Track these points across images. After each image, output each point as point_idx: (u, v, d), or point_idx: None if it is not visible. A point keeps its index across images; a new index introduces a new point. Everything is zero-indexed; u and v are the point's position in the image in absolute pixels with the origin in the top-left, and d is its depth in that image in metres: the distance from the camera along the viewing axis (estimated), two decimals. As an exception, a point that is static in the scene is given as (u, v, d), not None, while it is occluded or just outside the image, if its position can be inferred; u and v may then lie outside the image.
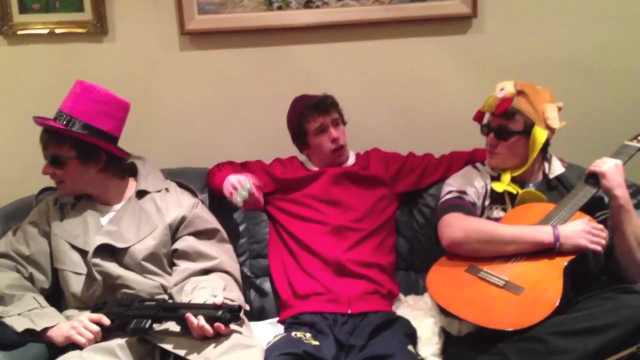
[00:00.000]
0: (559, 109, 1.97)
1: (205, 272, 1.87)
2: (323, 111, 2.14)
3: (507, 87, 1.93)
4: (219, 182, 2.09)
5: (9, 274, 1.81)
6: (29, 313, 1.72)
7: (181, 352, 1.62)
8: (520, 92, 1.93)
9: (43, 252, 1.87)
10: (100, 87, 1.87)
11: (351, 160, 2.27)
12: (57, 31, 2.39)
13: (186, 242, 1.91)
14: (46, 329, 1.71)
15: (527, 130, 1.93)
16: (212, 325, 1.61)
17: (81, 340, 1.67)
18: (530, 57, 2.45)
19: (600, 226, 1.79)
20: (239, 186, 1.97)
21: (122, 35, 2.42)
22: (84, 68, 2.40)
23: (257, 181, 2.01)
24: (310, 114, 2.15)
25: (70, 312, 1.84)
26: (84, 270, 1.84)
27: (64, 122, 1.82)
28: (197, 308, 1.65)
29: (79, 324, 1.70)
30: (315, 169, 2.23)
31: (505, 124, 1.94)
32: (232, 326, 1.67)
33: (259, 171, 2.19)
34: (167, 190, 2.00)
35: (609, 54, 2.47)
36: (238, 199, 1.96)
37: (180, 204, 1.96)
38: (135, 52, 2.43)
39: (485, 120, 2.04)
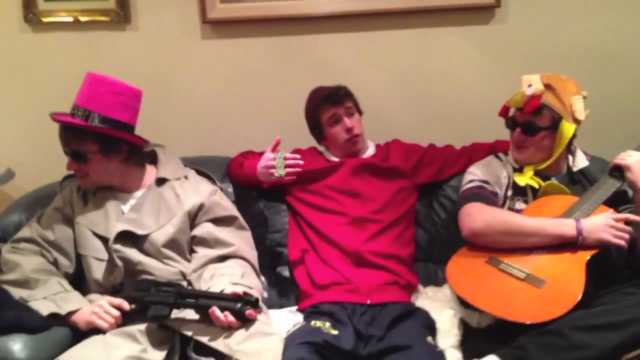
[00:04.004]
0: (584, 97, 1.94)
1: (223, 258, 1.89)
2: (335, 102, 2.15)
3: (535, 84, 1.88)
4: (249, 171, 2.12)
5: (34, 258, 1.84)
6: (54, 297, 1.74)
7: (202, 339, 1.64)
8: (547, 86, 1.89)
9: (67, 237, 1.89)
10: (113, 78, 1.87)
11: (371, 151, 2.27)
12: (81, 19, 2.41)
13: (204, 229, 1.93)
14: (70, 313, 1.73)
15: (555, 124, 1.90)
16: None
17: (103, 325, 1.70)
18: (553, 47, 2.42)
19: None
20: (274, 162, 2.01)
21: (144, 24, 2.43)
22: (107, 56, 2.42)
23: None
24: (323, 105, 2.16)
25: (93, 296, 1.85)
26: (105, 256, 1.86)
27: (83, 117, 1.82)
28: (215, 298, 1.66)
29: (99, 309, 1.72)
30: (335, 159, 2.23)
31: (532, 120, 1.91)
32: (252, 314, 1.68)
33: None
34: (186, 177, 2.01)
35: (634, 44, 2.42)
36: (280, 172, 2.00)
37: (198, 191, 1.97)
38: (157, 41, 2.44)
39: (510, 114, 2.01)
